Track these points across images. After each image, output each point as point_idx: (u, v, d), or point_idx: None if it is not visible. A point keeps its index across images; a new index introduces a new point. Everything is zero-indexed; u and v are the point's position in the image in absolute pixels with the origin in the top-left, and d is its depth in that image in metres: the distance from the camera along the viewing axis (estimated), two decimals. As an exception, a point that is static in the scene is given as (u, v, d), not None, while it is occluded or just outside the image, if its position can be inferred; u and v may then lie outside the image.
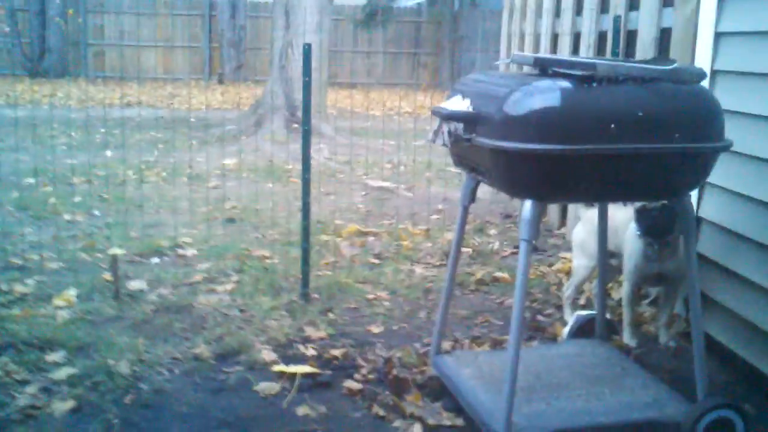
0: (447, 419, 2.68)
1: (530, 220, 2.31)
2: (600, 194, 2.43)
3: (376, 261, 4.38)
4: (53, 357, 3.01)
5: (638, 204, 3.01)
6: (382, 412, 2.72)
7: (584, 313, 3.30)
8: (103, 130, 8.78)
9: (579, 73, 2.23)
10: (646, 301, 3.70)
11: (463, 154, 2.54)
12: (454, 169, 7.10)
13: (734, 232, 3.06)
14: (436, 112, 2.47)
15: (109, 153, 7.54)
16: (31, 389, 2.77)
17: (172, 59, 17.20)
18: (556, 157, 2.21)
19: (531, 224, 2.31)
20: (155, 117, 10.29)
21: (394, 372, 2.95)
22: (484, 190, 5.86)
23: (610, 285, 3.64)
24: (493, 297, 3.90)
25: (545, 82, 2.25)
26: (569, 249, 4.31)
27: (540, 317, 3.61)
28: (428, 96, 15.13)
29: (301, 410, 2.72)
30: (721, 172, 2.94)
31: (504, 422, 2.33)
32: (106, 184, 6.00)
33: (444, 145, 2.48)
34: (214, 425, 2.63)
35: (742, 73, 3.04)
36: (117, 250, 3.82)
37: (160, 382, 2.89)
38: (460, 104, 2.42)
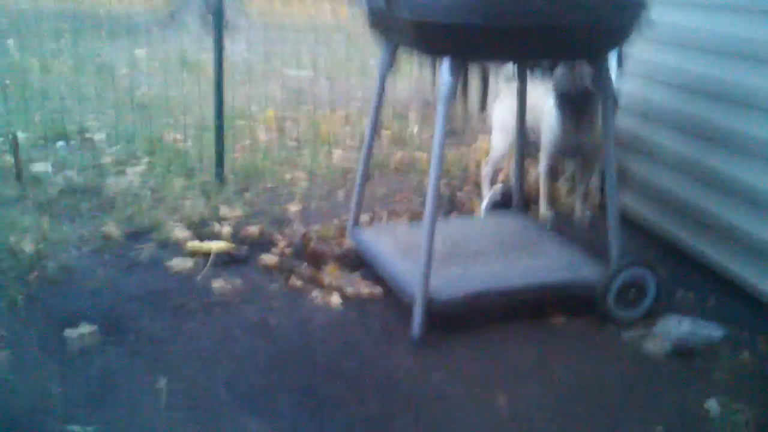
0: (365, 288, 2.66)
1: (449, 81, 2.23)
2: (520, 54, 2.38)
3: (294, 144, 4.28)
4: (-50, 236, 2.86)
5: (556, 76, 2.97)
6: (299, 284, 2.68)
7: (501, 187, 3.30)
8: (5, 20, 8.24)
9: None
10: (564, 176, 3.71)
11: (381, 18, 2.43)
12: (373, 65, 6.96)
13: (650, 110, 3.07)
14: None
15: (10, 41, 7.09)
16: (-74, 267, 2.63)
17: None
18: (477, 31, 2.13)
19: (450, 84, 2.24)
20: (59, 9, 9.70)
21: (312, 245, 2.91)
22: (403, 86, 5.80)
23: (527, 163, 3.63)
24: (412, 178, 3.86)
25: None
26: (489, 133, 4.29)
27: (458, 194, 3.59)
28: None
29: (216, 284, 2.66)
30: (637, 52, 2.93)
31: (421, 287, 2.32)
32: (8, 74, 5.65)
33: (361, 8, 2.38)
34: (123, 299, 2.55)
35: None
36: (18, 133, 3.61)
37: (66, 260, 2.77)
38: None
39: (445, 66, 2.22)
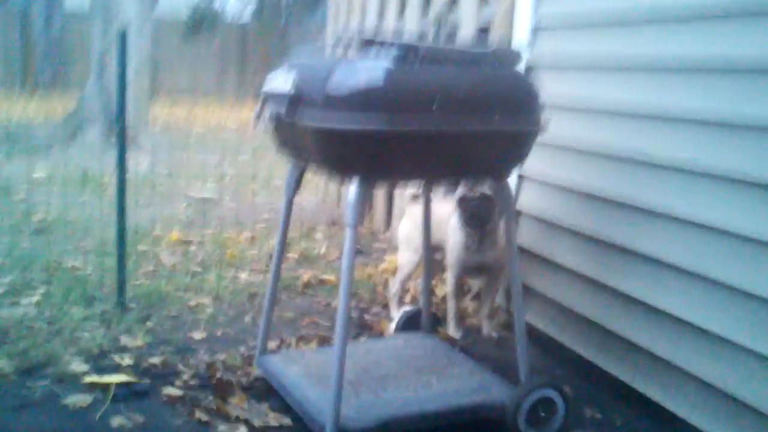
0: (274, 419, 2.57)
1: (355, 203, 2.26)
2: (424, 174, 2.43)
3: (199, 269, 4.20)
4: None
5: (459, 194, 3.06)
6: (205, 417, 2.57)
7: (409, 308, 3.31)
8: None
9: (400, 53, 2.20)
10: (469, 296, 3.76)
11: (286, 137, 2.47)
12: (279, 182, 7.01)
13: (549, 222, 3.17)
14: (260, 93, 2.39)
15: None
16: None
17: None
18: (380, 137, 2.18)
19: (356, 207, 2.26)
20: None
21: (218, 375, 2.82)
22: (309, 199, 5.84)
23: (434, 282, 3.66)
24: (320, 299, 3.83)
25: (368, 62, 2.22)
26: (395, 251, 4.34)
27: (367, 316, 3.59)
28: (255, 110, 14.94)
29: (116, 421, 2.53)
30: (536, 165, 3.05)
31: (332, 416, 2.27)
32: None
33: (267, 126, 2.40)
34: (14, 443, 2.39)
35: (555, 66, 3.17)
36: None
37: (-48, 401, 2.59)
38: (281, 79, 2.33)
39: (352, 187, 2.24)
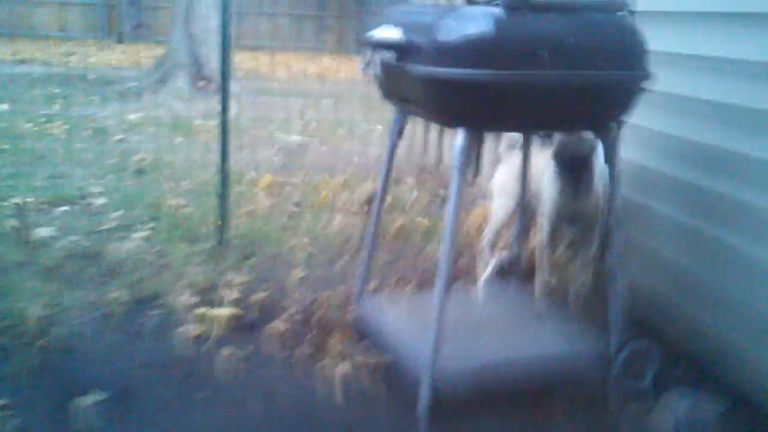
0: (373, 356, 2.66)
1: (462, 148, 2.29)
2: (531, 124, 2.44)
3: (295, 209, 4.32)
4: (-42, 302, 2.85)
5: (556, 142, 3.05)
6: (308, 352, 2.69)
7: (505, 254, 3.35)
8: (-3, 84, 8.35)
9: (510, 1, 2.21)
10: (563, 244, 3.76)
11: (393, 85, 2.51)
12: (365, 126, 7.09)
13: (647, 168, 3.15)
14: (366, 41, 2.42)
15: (4, 106, 7.15)
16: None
17: (67, 17, 16.40)
18: (488, 84, 2.20)
19: (462, 153, 2.29)
20: (51, 74, 9.82)
21: (320, 312, 2.93)
22: (399, 151, 5.87)
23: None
24: (414, 243, 3.90)
25: (478, 8, 2.24)
26: (484, 198, 4.36)
27: (460, 261, 3.63)
28: (335, 60, 15.02)
29: (226, 350, 2.66)
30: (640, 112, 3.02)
31: (429, 363, 2.31)
32: (4, 137, 5.69)
33: (375, 74, 2.45)
34: (133, 367, 2.55)
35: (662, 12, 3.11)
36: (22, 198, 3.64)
37: (75, 326, 2.77)
38: (391, 32, 2.38)
39: (459, 134, 2.28)
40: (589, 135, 2.94)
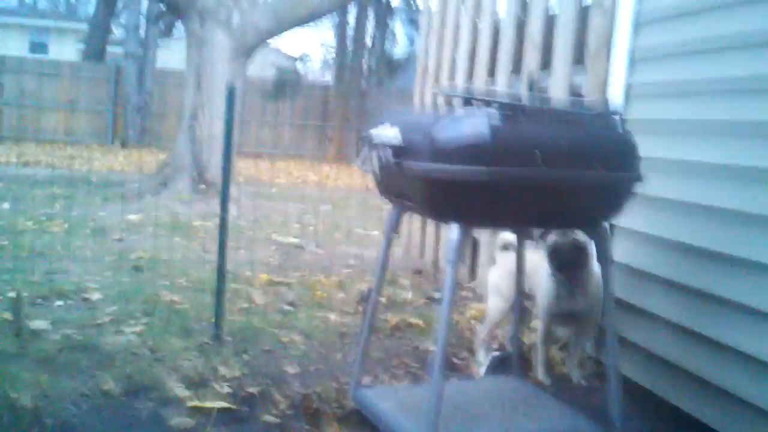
0: (368, 450, 2.65)
1: (456, 243, 2.36)
2: (523, 220, 2.51)
3: (290, 308, 4.34)
4: (-50, 391, 2.83)
5: (551, 242, 3.12)
6: (301, 445, 2.67)
7: (499, 352, 3.36)
8: (0, 184, 8.48)
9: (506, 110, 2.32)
10: (557, 345, 3.78)
11: (390, 181, 2.59)
12: (362, 231, 7.18)
13: (641, 271, 3.20)
14: (365, 138, 2.52)
15: (6, 205, 7.26)
16: (-77, 422, 2.59)
17: (75, 122, 16.81)
18: (484, 187, 2.29)
19: (457, 247, 2.36)
20: (54, 176, 9.99)
21: (314, 405, 2.91)
22: (393, 251, 5.94)
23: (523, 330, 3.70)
24: (408, 342, 3.91)
25: (473, 110, 2.35)
26: (480, 300, 4.40)
27: (454, 360, 3.63)
28: (334, 168, 15.30)
29: (218, 443, 2.64)
30: (630, 216, 3.10)
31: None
32: (4, 235, 5.75)
33: (372, 171, 2.53)
34: (126, 457, 2.52)
35: (650, 121, 3.23)
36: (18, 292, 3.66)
37: (66, 417, 2.75)
38: (389, 131, 2.48)
39: (454, 230, 2.35)
40: (582, 236, 3.02)
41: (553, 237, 3.12)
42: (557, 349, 3.75)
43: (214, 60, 9.14)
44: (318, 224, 7.55)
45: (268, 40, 10.09)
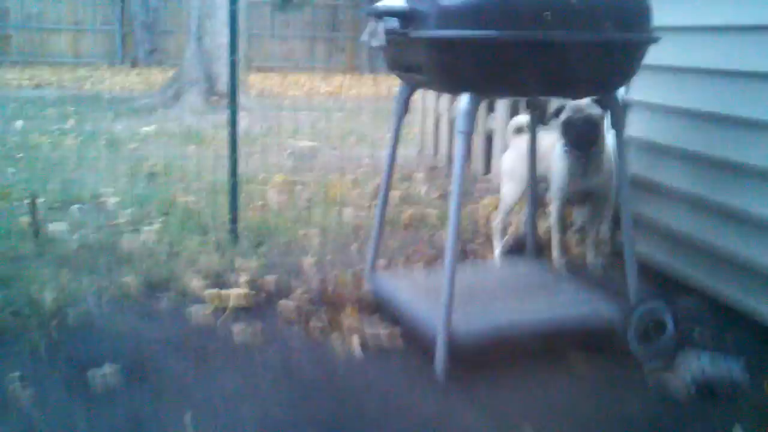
0: (384, 329, 2.66)
1: (467, 112, 2.31)
2: (534, 86, 2.44)
3: (305, 204, 4.34)
4: (-33, 289, 2.87)
5: (564, 116, 3.06)
6: (319, 326, 2.69)
7: (515, 234, 3.34)
8: (13, 105, 8.45)
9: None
10: (574, 228, 3.76)
11: (398, 54, 2.53)
12: (377, 134, 7.12)
13: (655, 145, 3.15)
14: (370, 11, 2.45)
15: (20, 123, 7.24)
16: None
17: (83, 43, 16.61)
18: (492, 46, 2.23)
19: (467, 116, 2.31)
20: (66, 96, 9.95)
21: (330, 289, 2.93)
22: (406, 153, 5.90)
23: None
24: (423, 232, 3.90)
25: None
26: (496, 192, 4.36)
27: (470, 246, 3.63)
28: (347, 78, 15.12)
29: (237, 327, 2.67)
30: (642, 89, 3.03)
31: (444, 321, 2.33)
32: (20, 149, 5.76)
33: (379, 46, 2.46)
34: (145, 343, 2.56)
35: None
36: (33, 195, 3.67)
37: (86, 309, 2.79)
38: (395, 2, 2.41)
39: (464, 97, 2.30)
40: (596, 110, 2.95)
41: (566, 113, 3.06)
42: (574, 232, 3.73)
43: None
44: (331, 129, 7.49)
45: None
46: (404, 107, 2.73)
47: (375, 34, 2.46)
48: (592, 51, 2.35)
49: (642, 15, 2.40)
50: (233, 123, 3.56)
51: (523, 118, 3.48)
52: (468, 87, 2.31)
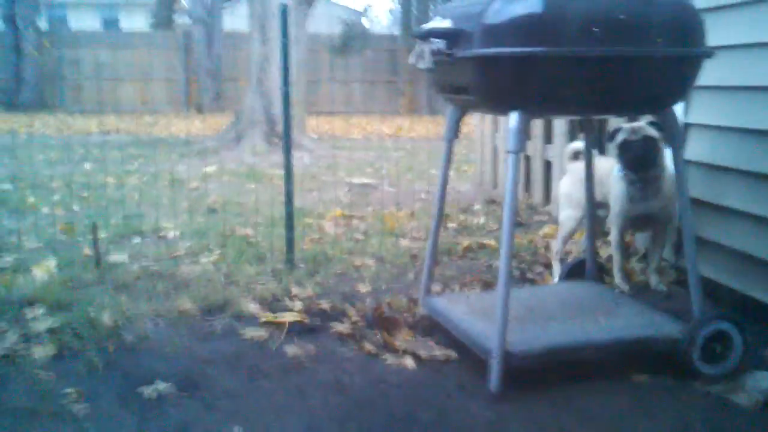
0: (439, 351, 2.63)
1: (517, 131, 2.29)
2: (584, 105, 2.40)
3: (362, 237, 4.33)
4: (33, 312, 2.92)
5: (620, 138, 3.00)
6: (372, 349, 2.66)
7: (575, 258, 3.28)
8: (82, 150, 8.74)
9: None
10: (636, 257, 3.67)
11: (445, 77, 2.52)
12: (434, 171, 7.11)
13: (718, 167, 3.06)
14: (416, 33, 2.47)
15: (87, 165, 7.46)
16: (11, 337, 2.69)
17: (150, 91, 17.17)
18: (538, 62, 2.21)
19: (517, 134, 2.29)
20: (134, 141, 10.24)
21: (384, 312, 2.90)
22: (466, 186, 5.87)
23: (598, 243, 3.61)
24: (481, 261, 3.86)
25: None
26: (555, 222, 4.30)
27: (529, 274, 3.57)
28: (407, 120, 15.22)
29: (291, 350, 2.66)
30: (702, 111, 2.97)
31: (498, 337, 2.28)
32: (86, 188, 5.92)
33: (426, 68, 2.47)
34: (199, 362, 2.56)
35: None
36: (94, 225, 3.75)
37: (143, 331, 2.81)
38: (441, 23, 2.42)
39: (513, 116, 2.27)
40: (652, 131, 2.89)
41: (622, 135, 3.01)
42: (636, 261, 3.64)
43: (275, 9, 9.13)
44: (389, 168, 7.53)
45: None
46: (454, 131, 2.72)
47: (422, 56, 2.47)
48: (642, 66, 2.31)
49: (694, 29, 2.35)
50: (287, 149, 3.59)
51: (579, 143, 3.43)
52: (516, 106, 2.29)
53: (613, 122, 3.91)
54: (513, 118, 2.29)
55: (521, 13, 2.21)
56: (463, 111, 2.69)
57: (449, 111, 2.73)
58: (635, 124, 2.97)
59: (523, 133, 2.31)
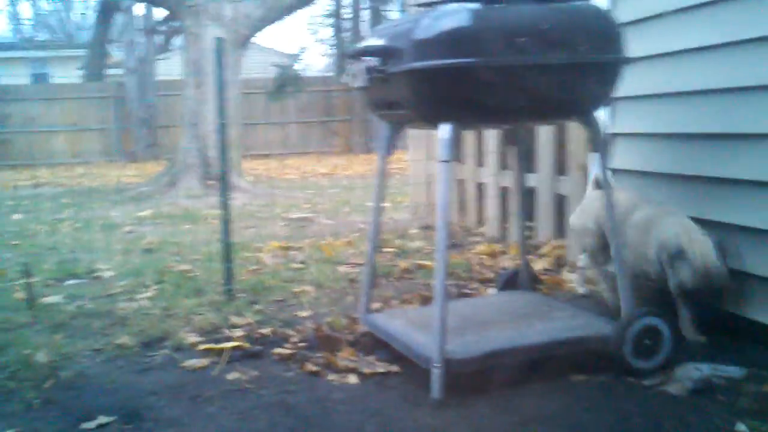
0: (381, 367, 2.65)
1: (448, 141, 2.36)
2: (513, 113, 2.49)
3: (300, 266, 4.34)
4: (-36, 357, 2.85)
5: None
6: (316, 369, 2.67)
7: (507, 269, 3.34)
8: (10, 203, 8.56)
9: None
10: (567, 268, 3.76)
11: (379, 93, 2.58)
12: (371, 204, 7.17)
13: (647, 172, 3.17)
14: (351, 52, 2.53)
15: (18, 216, 7.32)
16: (-59, 382, 2.62)
17: (83, 143, 16.90)
18: (467, 72, 2.28)
19: (449, 144, 2.36)
20: (66, 191, 10.08)
21: (325, 332, 2.92)
22: (402, 216, 5.94)
23: (530, 256, 3.69)
24: (419, 281, 3.90)
25: (453, 6, 2.35)
26: (489, 242, 4.38)
27: (465, 290, 3.62)
28: (342, 159, 15.31)
29: (232, 376, 2.65)
30: (627, 120, 3.07)
31: (438, 346, 2.32)
32: (17, 237, 5.80)
33: (360, 86, 2.53)
34: (140, 394, 2.53)
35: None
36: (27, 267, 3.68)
37: (81, 368, 2.77)
38: (374, 42, 2.49)
39: (445, 127, 2.35)
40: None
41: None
42: (567, 271, 3.73)
43: (210, 53, 9.15)
44: (326, 203, 7.56)
45: (260, 31, 10.05)
46: (387, 147, 2.78)
47: (357, 75, 2.53)
48: (566, 73, 2.41)
49: (613, 38, 2.47)
50: (223, 180, 3.61)
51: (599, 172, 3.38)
52: (448, 117, 2.36)
53: (543, 136, 4.02)
54: (445, 130, 2.36)
55: (450, 27, 2.30)
56: (396, 127, 2.75)
57: (383, 128, 2.79)
58: None
59: (455, 144, 2.38)
